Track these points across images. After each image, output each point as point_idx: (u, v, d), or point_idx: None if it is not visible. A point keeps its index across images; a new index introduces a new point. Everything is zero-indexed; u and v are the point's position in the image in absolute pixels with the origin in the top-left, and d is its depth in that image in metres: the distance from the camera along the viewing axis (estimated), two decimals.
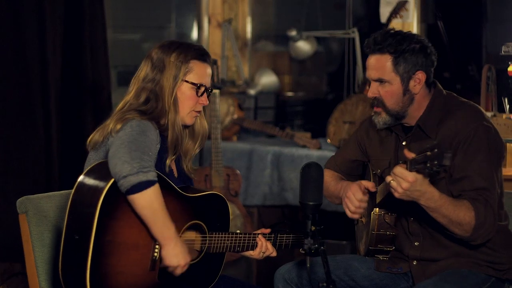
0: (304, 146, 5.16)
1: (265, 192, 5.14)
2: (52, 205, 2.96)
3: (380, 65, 2.92)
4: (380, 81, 2.93)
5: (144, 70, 2.84)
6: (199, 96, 2.85)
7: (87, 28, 4.77)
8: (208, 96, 2.89)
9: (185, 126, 2.89)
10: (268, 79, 5.88)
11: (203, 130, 2.95)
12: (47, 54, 4.57)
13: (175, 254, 2.67)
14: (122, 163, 2.56)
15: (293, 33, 5.73)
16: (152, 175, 2.59)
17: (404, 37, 2.93)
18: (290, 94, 6.19)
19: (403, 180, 2.63)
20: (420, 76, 2.93)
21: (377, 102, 2.96)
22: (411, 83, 2.93)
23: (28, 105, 4.54)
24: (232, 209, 4.85)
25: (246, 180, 5.15)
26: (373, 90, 2.96)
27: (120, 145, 2.61)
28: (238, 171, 4.93)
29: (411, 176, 2.62)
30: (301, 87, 6.27)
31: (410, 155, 2.62)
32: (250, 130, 5.58)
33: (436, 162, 2.49)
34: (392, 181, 2.66)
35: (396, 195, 2.68)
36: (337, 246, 4.96)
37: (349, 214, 3.01)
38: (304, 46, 5.82)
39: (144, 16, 6.09)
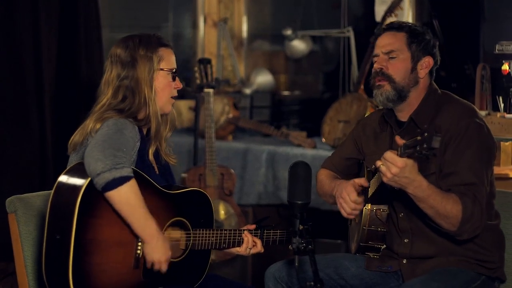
0: (299, 145, 5.16)
1: (260, 191, 5.14)
2: (41, 204, 2.96)
3: (394, 39, 2.99)
4: (391, 55, 2.98)
5: (114, 71, 2.84)
6: (173, 81, 2.89)
7: (82, 27, 4.77)
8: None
9: (162, 115, 2.90)
10: (263, 78, 5.89)
11: (171, 115, 2.96)
12: (42, 54, 4.57)
13: (157, 250, 2.69)
14: (96, 161, 2.58)
15: (289, 32, 5.74)
16: (126, 171, 2.60)
17: (417, 26, 3.04)
18: (286, 93, 6.20)
19: (393, 165, 2.64)
20: (428, 61, 2.99)
21: (382, 75, 2.99)
22: (419, 65, 2.99)
23: (23, 105, 4.55)
24: (227, 208, 4.85)
25: (241, 179, 5.15)
26: (381, 62, 3.00)
27: (94, 144, 2.63)
28: (232, 170, 4.93)
29: (400, 161, 2.63)
30: (296, 86, 6.27)
31: (401, 141, 2.64)
32: (245, 129, 5.59)
33: (425, 146, 2.50)
34: (381, 166, 2.67)
35: (385, 179, 2.69)
36: (332, 245, 4.96)
37: (345, 215, 3.02)
38: (299, 45, 5.83)
39: (141, 16, 6.10)
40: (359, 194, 2.97)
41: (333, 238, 4.97)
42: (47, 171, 4.59)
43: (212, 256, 4.70)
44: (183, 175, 4.89)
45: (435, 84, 3.07)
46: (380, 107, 3.20)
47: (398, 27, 3.01)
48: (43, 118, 4.59)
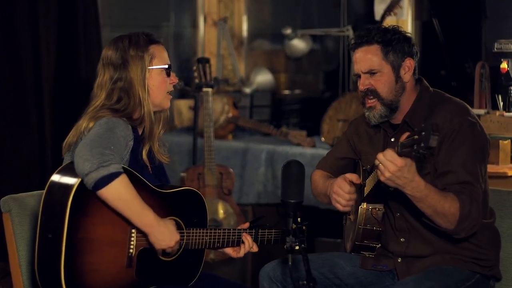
0: (298, 145, 5.16)
1: (259, 190, 5.14)
2: (36, 204, 2.95)
3: (369, 55, 2.95)
4: (371, 72, 2.95)
5: (106, 74, 2.84)
6: (168, 77, 2.89)
7: (81, 27, 4.78)
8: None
9: (157, 112, 2.90)
10: (263, 78, 5.88)
11: (165, 113, 2.95)
12: (41, 54, 4.58)
13: (162, 238, 2.69)
14: (83, 162, 2.58)
15: (289, 31, 5.73)
16: (114, 167, 2.60)
17: (386, 29, 3.00)
18: (286, 92, 6.19)
19: (392, 164, 2.63)
20: (409, 63, 2.97)
21: (370, 93, 2.96)
22: (401, 71, 2.96)
23: (22, 105, 4.56)
24: (226, 207, 4.85)
25: (241, 179, 5.15)
26: (364, 82, 2.96)
27: (83, 144, 2.64)
28: (231, 170, 4.93)
29: (400, 160, 2.62)
30: (297, 85, 6.27)
31: (401, 138, 2.64)
32: (245, 128, 5.58)
33: (422, 145, 2.49)
34: (380, 164, 2.66)
35: (382, 178, 2.67)
36: (332, 244, 4.95)
37: (340, 208, 3.02)
38: (299, 44, 5.82)
39: (141, 15, 6.10)
40: (351, 186, 2.97)
41: (333, 237, 4.96)
42: (46, 171, 4.60)
43: (212, 256, 4.70)
44: (182, 174, 4.89)
45: (425, 81, 3.05)
46: None
47: (369, 40, 2.95)
48: (43, 118, 4.60)
